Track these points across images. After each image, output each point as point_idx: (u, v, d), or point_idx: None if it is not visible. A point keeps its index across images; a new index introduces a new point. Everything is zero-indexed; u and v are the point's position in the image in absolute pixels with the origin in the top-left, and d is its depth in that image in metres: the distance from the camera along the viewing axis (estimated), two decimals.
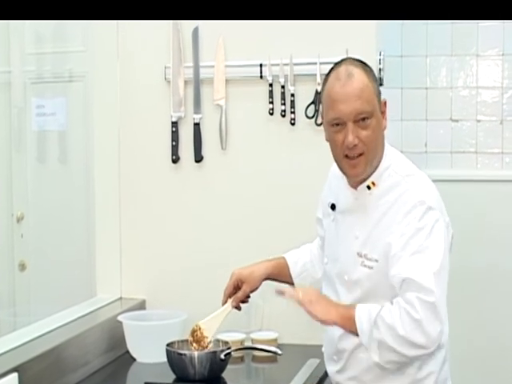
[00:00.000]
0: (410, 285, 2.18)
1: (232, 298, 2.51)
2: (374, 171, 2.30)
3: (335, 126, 2.25)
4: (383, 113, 2.30)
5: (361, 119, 2.23)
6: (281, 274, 2.58)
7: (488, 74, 3.85)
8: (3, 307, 3.78)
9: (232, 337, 2.80)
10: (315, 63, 3.02)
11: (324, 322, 2.28)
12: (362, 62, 2.33)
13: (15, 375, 2.27)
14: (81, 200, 3.67)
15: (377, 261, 2.26)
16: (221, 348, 2.61)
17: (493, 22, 3.79)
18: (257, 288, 2.53)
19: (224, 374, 2.64)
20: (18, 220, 3.85)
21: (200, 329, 2.54)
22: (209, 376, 2.58)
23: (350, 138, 2.22)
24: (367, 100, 2.24)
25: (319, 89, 2.98)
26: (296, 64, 3.04)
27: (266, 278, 2.55)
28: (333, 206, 2.43)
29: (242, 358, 2.88)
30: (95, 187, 3.30)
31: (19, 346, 2.53)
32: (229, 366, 2.64)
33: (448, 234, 2.27)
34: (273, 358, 2.44)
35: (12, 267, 3.84)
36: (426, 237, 2.20)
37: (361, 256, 2.29)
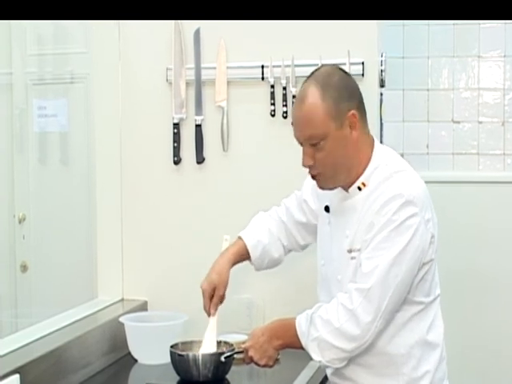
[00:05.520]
0: (359, 275, 2.22)
1: (213, 307, 2.53)
2: (361, 174, 2.30)
3: (300, 144, 2.32)
4: (352, 126, 2.27)
5: (313, 143, 2.27)
6: (242, 259, 2.60)
7: (490, 75, 3.85)
8: (5, 308, 3.79)
9: (235, 338, 2.80)
10: (317, 64, 3.00)
11: (266, 365, 2.37)
12: (331, 72, 2.31)
13: (17, 377, 2.27)
14: (82, 201, 3.67)
15: (359, 250, 2.27)
16: (225, 350, 2.60)
17: (494, 23, 3.79)
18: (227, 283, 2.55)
19: (227, 376, 2.63)
20: (20, 221, 3.86)
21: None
22: (213, 378, 2.57)
23: (304, 161, 2.30)
24: (316, 125, 2.24)
25: None
26: (297, 65, 3.04)
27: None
28: (327, 208, 2.44)
29: (244, 360, 2.87)
30: (97, 188, 3.30)
31: (21, 348, 2.53)
32: (232, 368, 2.63)
33: (426, 231, 2.24)
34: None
35: (13, 268, 3.84)
36: (393, 229, 2.20)
37: (350, 252, 2.30)
